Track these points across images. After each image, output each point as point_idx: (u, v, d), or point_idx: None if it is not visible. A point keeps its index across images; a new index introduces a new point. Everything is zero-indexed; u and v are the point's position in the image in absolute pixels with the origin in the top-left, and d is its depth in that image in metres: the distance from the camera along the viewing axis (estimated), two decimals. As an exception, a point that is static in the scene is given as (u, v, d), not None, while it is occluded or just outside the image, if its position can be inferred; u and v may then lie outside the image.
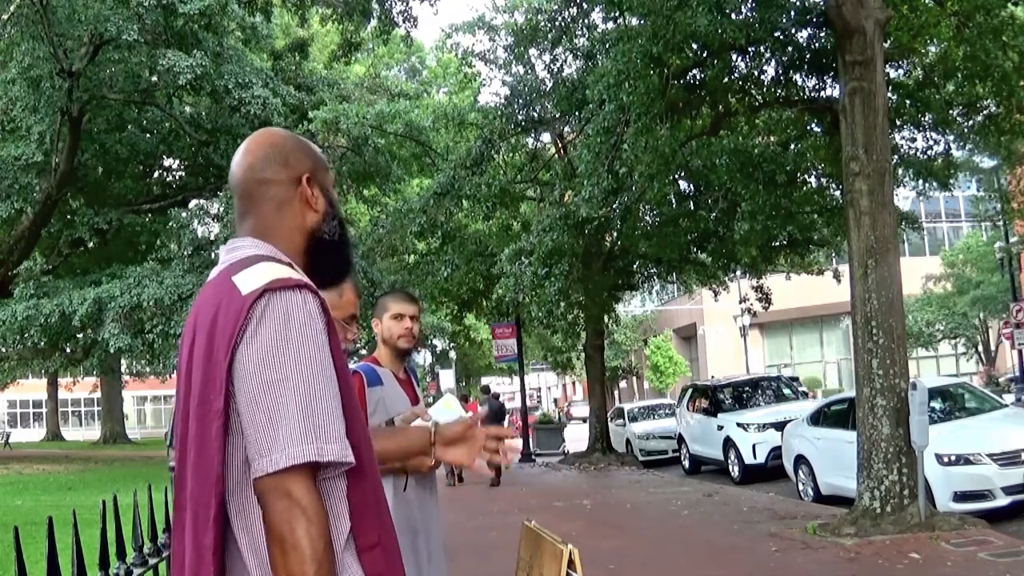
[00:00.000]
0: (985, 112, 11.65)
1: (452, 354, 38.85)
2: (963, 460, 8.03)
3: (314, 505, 1.27)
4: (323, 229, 1.52)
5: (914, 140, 12.59)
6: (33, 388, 43.54)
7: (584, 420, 37.94)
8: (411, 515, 2.69)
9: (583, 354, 21.30)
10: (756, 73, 10.73)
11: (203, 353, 1.34)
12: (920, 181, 13.41)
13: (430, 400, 3.03)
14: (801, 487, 10.68)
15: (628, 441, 19.08)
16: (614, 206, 13.65)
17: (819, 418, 10.71)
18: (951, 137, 12.88)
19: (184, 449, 1.38)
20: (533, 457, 19.85)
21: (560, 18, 16.03)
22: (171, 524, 1.46)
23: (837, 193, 13.15)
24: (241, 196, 1.51)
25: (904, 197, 18.20)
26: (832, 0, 8.04)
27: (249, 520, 1.32)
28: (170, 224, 19.07)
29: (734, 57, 10.24)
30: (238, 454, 1.32)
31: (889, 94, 9.72)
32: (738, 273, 19.63)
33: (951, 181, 13.64)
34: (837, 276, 17.14)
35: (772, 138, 13.21)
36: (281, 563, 1.25)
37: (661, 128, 9.56)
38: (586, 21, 15.76)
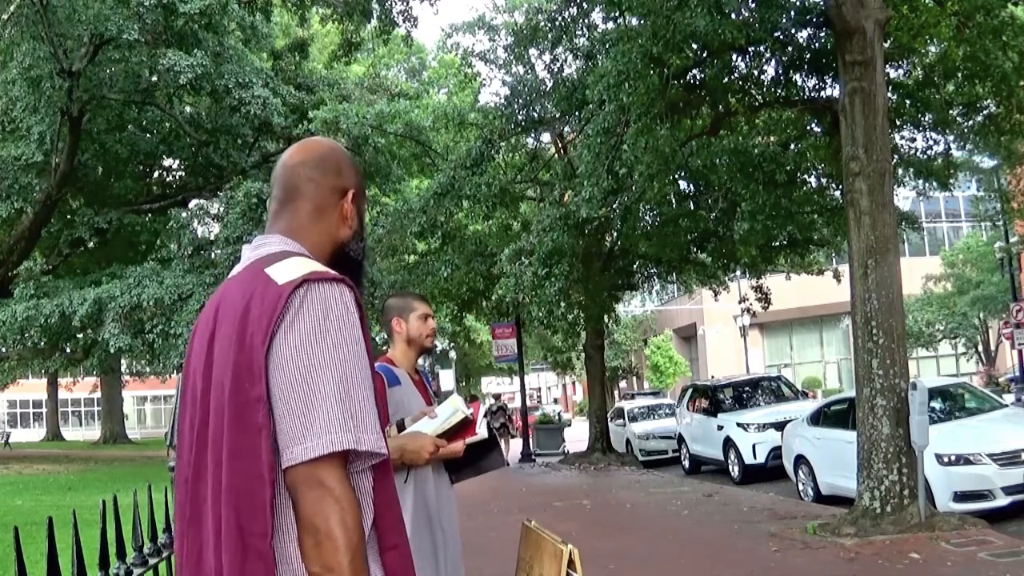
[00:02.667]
0: (985, 112, 11.66)
1: (452, 354, 38.84)
2: (963, 460, 8.02)
3: (347, 494, 1.25)
4: (351, 247, 1.55)
5: (914, 140, 12.60)
6: (33, 388, 43.54)
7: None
8: (429, 505, 2.73)
9: (583, 354, 21.31)
10: (756, 73, 10.73)
11: (233, 344, 1.32)
12: (920, 181, 13.42)
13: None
14: (801, 487, 10.68)
15: (628, 441, 19.08)
16: (614, 206, 13.66)
17: (819, 418, 10.71)
18: (951, 137, 12.89)
19: (204, 443, 1.34)
20: (533, 457, 19.85)
21: (560, 18, 16.02)
22: (179, 521, 1.41)
23: (837, 193, 13.15)
24: (285, 187, 1.52)
25: (904, 197, 18.22)
26: (832, 0, 8.05)
27: (279, 519, 1.29)
28: (170, 224, 19.07)
29: (734, 57, 10.24)
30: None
31: (889, 94, 9.72)
32: (738, 273, 19.63)
33: (951, 181, 13.64)
34: (837, 276, 17.14)
35: (772, 138, 13.22)
36: (315, 554, 1.23)
37: (661, 128, 9.56)
38: (586, 21, 15.76)
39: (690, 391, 16.54)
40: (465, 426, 2.70)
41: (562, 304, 15.44)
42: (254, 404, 1.28)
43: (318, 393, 1.26)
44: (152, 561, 2.18)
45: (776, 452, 12.05)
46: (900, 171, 12.39)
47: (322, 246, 1.50)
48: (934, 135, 12.64)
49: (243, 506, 1.27)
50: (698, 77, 10.36)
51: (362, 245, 1.58)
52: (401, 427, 2.73)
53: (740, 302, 21.20)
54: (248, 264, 1.44)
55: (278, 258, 1.39)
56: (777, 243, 15.90)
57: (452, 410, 2.68)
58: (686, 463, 15.59)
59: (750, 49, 10.11)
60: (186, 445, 1.40)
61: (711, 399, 15.12)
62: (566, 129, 18.20)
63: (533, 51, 17.40)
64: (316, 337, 1.29)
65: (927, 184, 13.58)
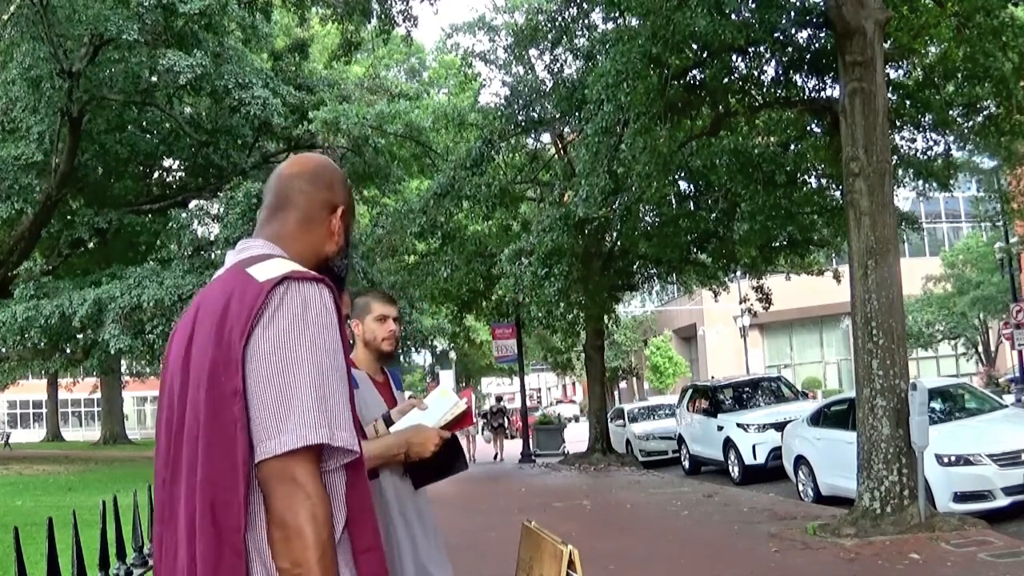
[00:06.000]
0: (985, 113, 11.66)
1: (452, 355, 38.87)
2: (963, 460, 8.02)
3: (318, 490, 1.26)
4: (335, 262, 1.57)
5: (914, 140, 12.60)
6: (33, 388, 43.54)
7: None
8: (404, 509, 2.65)
9: (583, 354, 21.30)
10: (756, 73, 10.73)
11: (211, 340, 1.33)
12: (920, 181, 13.42)
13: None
14: (801, 487, 10.68)
15: (628, 442, 19.08)
16: (614, 206, 13.66)
17: (819, 418, 10.71)
18: (951, 137, 12.89)
19: (180, 440, 1.34)
20: (533, 457, 19.85)
21: (560, 18, 16.03)
22: (158, 523, 1.41)
23: (837, 193, 13.15)
24: (277, 195, 1.55)
25: (904, 197, 18.22)
26: (832, 0, 8.05)
27: (254, 513, 1.30)
28: (170, 224, 19.06)
29: (734, 57, 10.24)
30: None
31: (889, 94, 9.72)
32: (738, 273, 19.63)
33: (951, 181, 13.66)
34: (837, 276, 17.15)
35: (772, 138, 13.22)
36: (284, 549, 1.23)
37: (660, 128, 9.56)
38: (586, 21, 15.76)
39: (690, 392, 16.53)
40: (464, 416, 2.71)
41: (562, 304, 15.44)
42: (230, 398, 1.29)
43: (294, 389, 1.27)
44: (152, 561, 2.18)
45: (776, 452, 12.04)
46: (900, 171, 12.39)
47: (306, 256, 1.51)
48: (934, 135, 12.64)
49: (219, 500, 1.28)
50: (698, 77, 10.35)
51: (346, 263, 1.60)
52: (388, 421, 2.67)
53: (740, 302, 21.22)
54: (230, 266, 1.46)
55: (260, 259, 1.41)
56: (777, 243, 15.90)
57: (450, 402, 2.68)
58: (686, 463, 15.59)
59: (750, 49, 10.11)
60: (163, 446, 1.40)
61: (711, 399, 15.11)
62: (566, 129, 18.20)
63: (533, 51, 17.41)
64: (294, 334, 1.30)
65: (927, 184, 13.58)
